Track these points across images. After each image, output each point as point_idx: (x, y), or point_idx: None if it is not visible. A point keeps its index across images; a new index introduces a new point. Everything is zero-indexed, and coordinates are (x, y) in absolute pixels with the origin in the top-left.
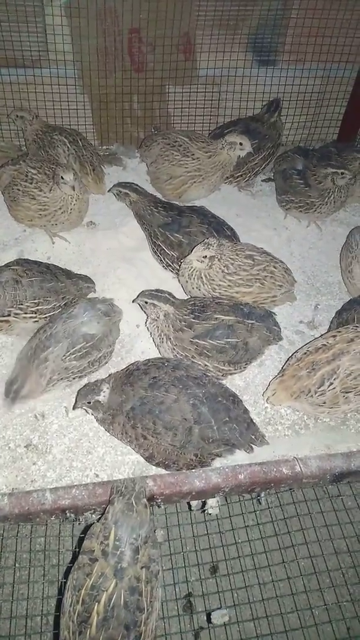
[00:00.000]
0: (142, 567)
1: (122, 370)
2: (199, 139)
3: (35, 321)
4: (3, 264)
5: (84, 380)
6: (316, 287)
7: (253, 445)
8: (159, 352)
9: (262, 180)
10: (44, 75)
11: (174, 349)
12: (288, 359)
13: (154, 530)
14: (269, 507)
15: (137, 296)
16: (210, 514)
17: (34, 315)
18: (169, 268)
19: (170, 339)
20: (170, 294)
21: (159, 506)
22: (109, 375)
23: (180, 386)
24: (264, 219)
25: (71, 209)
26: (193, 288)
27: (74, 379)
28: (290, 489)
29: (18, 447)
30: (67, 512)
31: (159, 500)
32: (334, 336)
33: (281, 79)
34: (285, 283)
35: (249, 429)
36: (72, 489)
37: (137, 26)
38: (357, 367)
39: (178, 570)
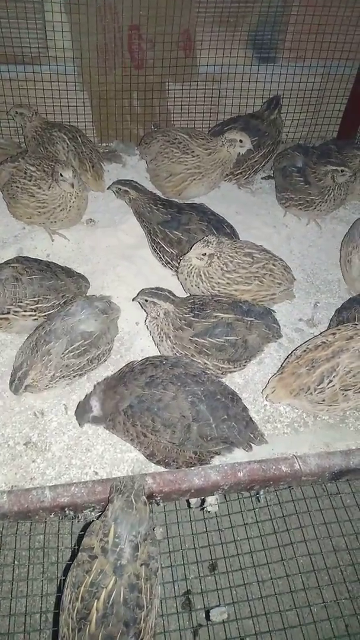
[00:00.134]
0: (141, 565)
1: (113, 374)
2: (198, 136)
3: (35, 319)
4: (3, 262)
5: (84, 379)
6: (316, 285)
7: (252, 444)
8: (159, 350)
9: (262, 178)
10: (43, 72)
11: (173, 347)
12: (287, 357)
13: (153, 528)
14: (267, 505)
15: (137, 294)
16: (209, 511)
17: (33, 313)
18: (169, 265)
19: (169, 337)
20: (170, 292)
21: (158, 504)
22: (96, 384)
23: (179, 384)
24: (263, 216)
25: (70, 207)
26: (192, 286)
27: (74, 377)
28: (289, 487)
29: (17, 444)
30: (66, 509)
31: (158, 498)
32: (334, 334)
33: (281, 76)
34: (285, 281)
35: (247, 427)
36: (71, 486)
37: (137, 23)
38: (356, 364)
39: (177, 568)
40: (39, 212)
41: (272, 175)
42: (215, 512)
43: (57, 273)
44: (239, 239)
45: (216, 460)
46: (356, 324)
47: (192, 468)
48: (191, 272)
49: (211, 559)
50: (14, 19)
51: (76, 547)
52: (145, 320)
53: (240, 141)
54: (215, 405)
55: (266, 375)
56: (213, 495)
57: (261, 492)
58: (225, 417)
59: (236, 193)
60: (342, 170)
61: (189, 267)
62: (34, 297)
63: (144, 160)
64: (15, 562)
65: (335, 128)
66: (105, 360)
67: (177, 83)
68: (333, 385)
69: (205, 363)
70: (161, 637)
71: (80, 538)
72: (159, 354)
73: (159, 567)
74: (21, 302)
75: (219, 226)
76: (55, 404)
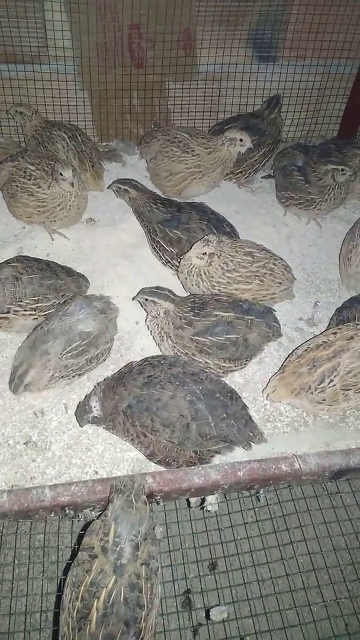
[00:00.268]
0: (141, 564)
1: (112, 375)
2: (199, 135)
3: (35, 318)
4: (3, 261)
5: (84, 378)
6: (316, 284)
7: (251, 443)
8: (160, 350)
9: (262, 177)
10: (43, 71)
11: (174, 346)
12: (288, 356)
13: (153, 527)
14: (267, 504)
15: (137, 293)
16: (209, 510)
17: (33, 312)
18: (169, 264)
19: (170, 336)
20: (170, 291)
21: (158, 503)
22: (96, 385)
23: (177, 383)
24: (263, 215)
25: (70, 206)
26: (192, 285)
27: (73, 376)
28: (289, 486)
29: (17, 444)
30: (66, 509)
31: (158, 497)
32: (335, 333)
33: (281, 75)
34: (285, 280)
35: (247, 425)
36: (71, 485)
37: (137, 22)
38: (357, 364)
39: (177, 567)
40: (39, 211)
41: (272, 174)
42: (215, 511)
43: (57, 272)
44: (239, 238)
45: (216, 460)
46: (357, 324)
47: (192, 467)
48: (191, 271)
49: (211, 558)
50: (14, 18)
51: (76, 546)
52: (146, 320)
53: (241, 140)
54: (214, 404)
55: (266, 374)
56: (213, 494)
57: (261, 491)
58: (225, 415)
59: (236, 192)
60: (342, 170)
61: (189, 266)
62: (34, 297)
63: (144, 160)
64: (16, 561)
65: (335, 127)
66: (104, 360)
67: (177, 82)
68: (334, 385)
69: (206, 362)
70: (161, 636)
71: (81, 537)
72: (158, 354)
73: (159, 567)
74: (21, 301)
75: (219, 225)
76: (56, 403)
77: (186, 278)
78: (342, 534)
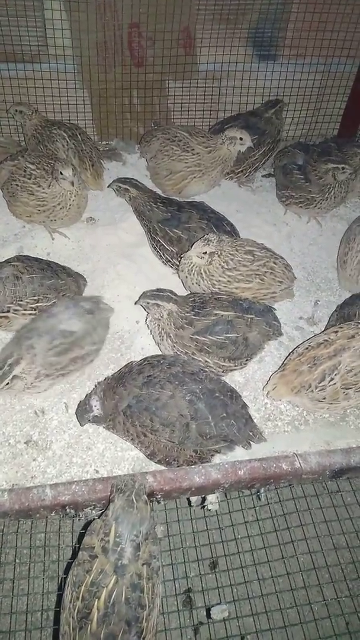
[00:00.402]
0: (143, 564)
1: (112, 375)
2: (199, 133)
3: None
4: (3, 260)
5: (84, 377)
6: (316, 283)
7: (251, 442)
8: (159, 349)
9: (263, 176)
10: (43, 70)
11: (174, 346)
12: (288, 355)
13: (154, 527)
14: (268, 503)
15: (139, 298)
16: (209, 509)
17: (33, 312)
18: (169, 264)
19: (170, 336)
20: (171, 292)
21: (158, 502)
22: (96, 384)
23: (176, 382)
24: (264, 214)
25: (70, 205)
26: (193, 284)
27: (57, 376)
28: (290, 485)
29: (18, 443)
30: (67, 508)
31: (159, 496)
32: (336, 332)
33: (281, 73)
34: (285, 279)
35: (247, 425)
36: (72, 484)
37: (137, 20)
38: (357, 363)
39: (178, 566)
40: (39, 210)
41: (273, 173)
42: (216, 510)
43: (57, 272)
44: (239, 237)
45: (216, 459)
46: (358, 323)
47: (193, 466)
48: (192, 270)
49: (212, 557)
50: (14, 17)
51: (77, 545)
52: (146, 320)
53: (241, 139)
54: (214, 403)
55: (267, 373)
56: (214, 493)
57: (262, 490)
58: (224, 415)
59: (236, 191)
60: (342, 168)
61: (189, 266)
62: (34, 296)
63: (144, 159)
64: (17, 561)
65: (335, 126)
66: (91, 361)
67: (177, 81)
68: (334, 384)
69: (206, 361)
70: (162, 635)
71: (81, 536)
72: (158, 354)
73: (160, 566)
74: (21, 300)
75: (219, 224)
76: (56, 403)
77: (186, 277)
78: (342, 532)
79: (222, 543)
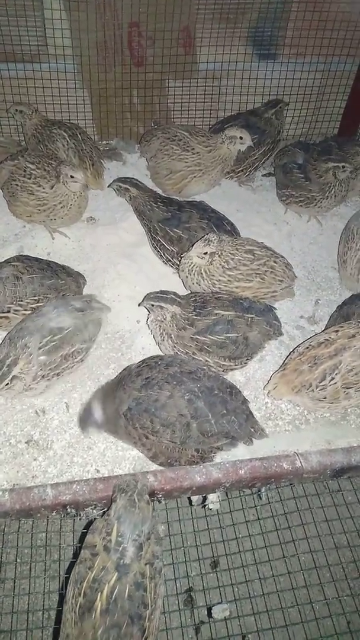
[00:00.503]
0: (146, 564)
1: (112, 379)
2: (199, 133)
3: None
4: (3, 260)
5: (85, 377)
6: (317, 282)
7: (253, 438)
8: (159, 349)
9: (263, 175)
10: (43, 70)
11: (174, 346)
12: (289, 354)
13: (156, 527)
14: (269, 502)
15: (143, 299)
16: (210, 509)
17: (33, 312)
18: (169, 263)
19: (171, 337)
20: (175, 293)
21: (159, 501)
22: (95, 390)
23: (174, 382)
24: (264, 213)
25: (71, 205)
26: (193, 283)
27: (52, 376)
28: (291, 484)
29: (19, 443)
30: (68, 507)
31: (160, 496)
32: (336, 331)
33: (281, 72)
34: (286, 278)
35: (248, 420)
36: (73, 484)
37: (137, 20)
38: (358, 363)
39: (179, 565)
40: (39, 210)
41: (273, 172)
42: (217, 510)
43: (57, 272)
44: (239, 236)
45: (218, 457)
46: (359, 322)
47: (194, 466)
48: (192, 270)
49: (213, 556)
50: (13, 17)
51: (78, 544)
52: (147, 320)
53: (241, 138)
54: (213, 400)
55: (267, 372)
56: (214, 492)
57: (263, 490)
58: (225, 411)
59: (237, 190)
60: (343, 167)
61: (189, 265)
62: (35, 296)
63: (144, 158)
64: (18, 560)
65: (336, 125)
66: (82, 360)
67: (177, 80)
68: (335, 383)
69: (206, 361)
70: (163, 634)
71: (83, 536)
72: (155, 355)
73: (162, 567)
74: (21, 300)
75: (220, 224)
76: (57, 402)
77: (187, 277)
78: (343, 531)
79: (223, 542)
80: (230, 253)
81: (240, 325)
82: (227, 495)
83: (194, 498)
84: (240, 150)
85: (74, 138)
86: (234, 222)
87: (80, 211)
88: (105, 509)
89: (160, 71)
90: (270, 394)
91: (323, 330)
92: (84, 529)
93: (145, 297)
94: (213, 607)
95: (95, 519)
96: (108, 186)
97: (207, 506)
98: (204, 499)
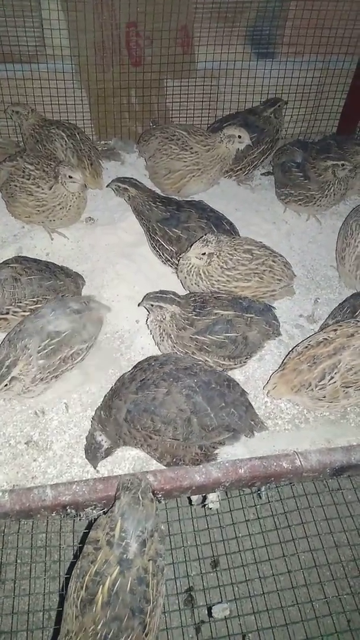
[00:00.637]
0: (149, 560)
1: (104, 399)
2: (197, 132)
3: None
4: (2, 262)
5: (83, 379)
6: (316, 281)
7: (254, 431)
8: (159, 349)
9: (262, 174)
10: (41, 71)
11: (174, 346)
12: (288, 353)
13: (160, 525)
14: (269, 501)
15: (142, 299)
16: (210, 508)
17: (32, 313)
18: (168, 263)
19: (171, 337)
20: (174, 293)
21: (159, 501)
22: (91, 420)
23: (171, 379)
24: (263, 212)
25: (70, 206)
26: (192, 284)
27: (50, 379)
28: (291, 483)
29: (18, 443)
30: (68, 508)
31: (160, 495)
32: (335, 330)
33: (280, 71)
34: (285, 277)
35: (247, 411)
36: (72, 485)
37: (135, 20)
38: (357, 362)
39: (179, 565)
40: (38, 210)
41: (272, 171)
42: (217, 509)
43: (56, 273)
44: (238, 235)
45: (220, 456)
46: (357, 321)
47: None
48: (190, 271)
49: (213, 555)
50: (11, 17)
51: (79, 545)
52: (147, 320)
53: (239, 137)
54: (211, 394)
55: (267, 371)
56: (214, 492)
57: (262, 489)
58: (223, 404)
59: (235, 189)
60: (342, 165)
61: (188, 266)
62: (33, 298)
63: (142, 158)
64: (18, 561)
65: (334, 123)
66: (82, 360)
67: (175, 80)
68: (334, 382)
69: (206, 360)
70: (164, 633)
71: (83, 536)
72: (147, 357)
73: (164, 565)
74: (20, 302)
75: (218, 223)
76: (56, 403)
77: (185, 278)
78: (343, 530)
79: (223, 541)
80: (228, 253)
81: (240, 325)
82: (226, 495)
83: (194, 497)
84: (238, 149)
85: (72, 138)
86: (233, 222)
87: (79, 212)
88: (106, 509)
89: (158, 71)
90: (269, 394)
91: (320, 329)
92: (85, 530)
93: (144, 297)
94: (213, 607)
95: (95, 519)
96: (107, 186)
97: (207, 506)
98: (204, 498)
